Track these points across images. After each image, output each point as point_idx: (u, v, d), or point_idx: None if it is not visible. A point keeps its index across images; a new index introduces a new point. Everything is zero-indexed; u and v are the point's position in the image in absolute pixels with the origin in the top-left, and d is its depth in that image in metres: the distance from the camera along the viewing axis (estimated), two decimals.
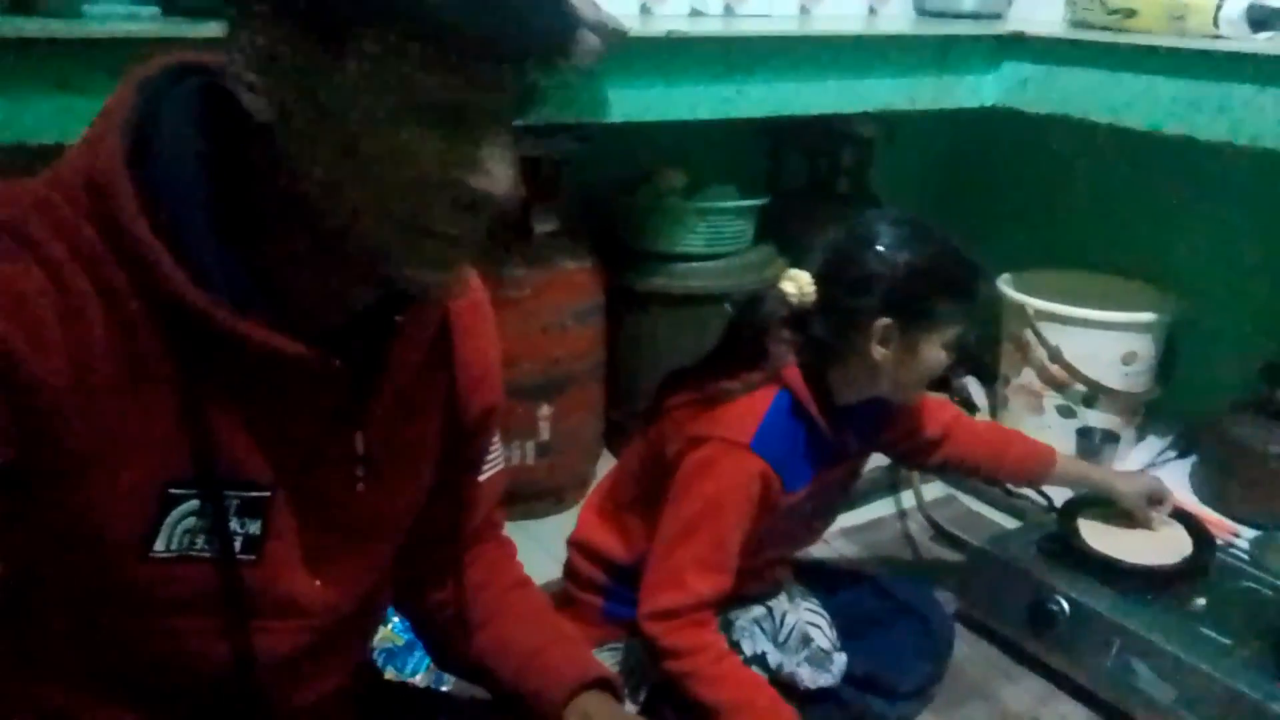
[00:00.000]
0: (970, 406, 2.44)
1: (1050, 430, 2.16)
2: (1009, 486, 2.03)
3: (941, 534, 2.05)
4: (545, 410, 1.87)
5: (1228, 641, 1.47)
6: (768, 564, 1.38)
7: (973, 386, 2.47)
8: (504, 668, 0.95)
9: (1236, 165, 2.02)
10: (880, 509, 2.18)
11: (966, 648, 1.70)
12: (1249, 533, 1.86)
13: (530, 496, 1.88)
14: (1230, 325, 2.16)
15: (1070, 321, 2.09)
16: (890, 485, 2.20)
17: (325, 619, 0.79)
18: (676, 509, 1.22)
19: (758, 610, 1.40)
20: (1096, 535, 1.66)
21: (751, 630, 1.36)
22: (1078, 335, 2.09)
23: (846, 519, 2.11)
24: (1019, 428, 2.21)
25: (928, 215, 2.54)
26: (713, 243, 1.97)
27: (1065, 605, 1.57)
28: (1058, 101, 1.91)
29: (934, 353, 1.24)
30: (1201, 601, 1.55)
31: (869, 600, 1.54)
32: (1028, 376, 2.19)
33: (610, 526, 1.36)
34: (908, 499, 2.16)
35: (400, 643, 1.56)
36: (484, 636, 0.96)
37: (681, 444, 1.24)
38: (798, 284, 1.24)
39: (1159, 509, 1.61)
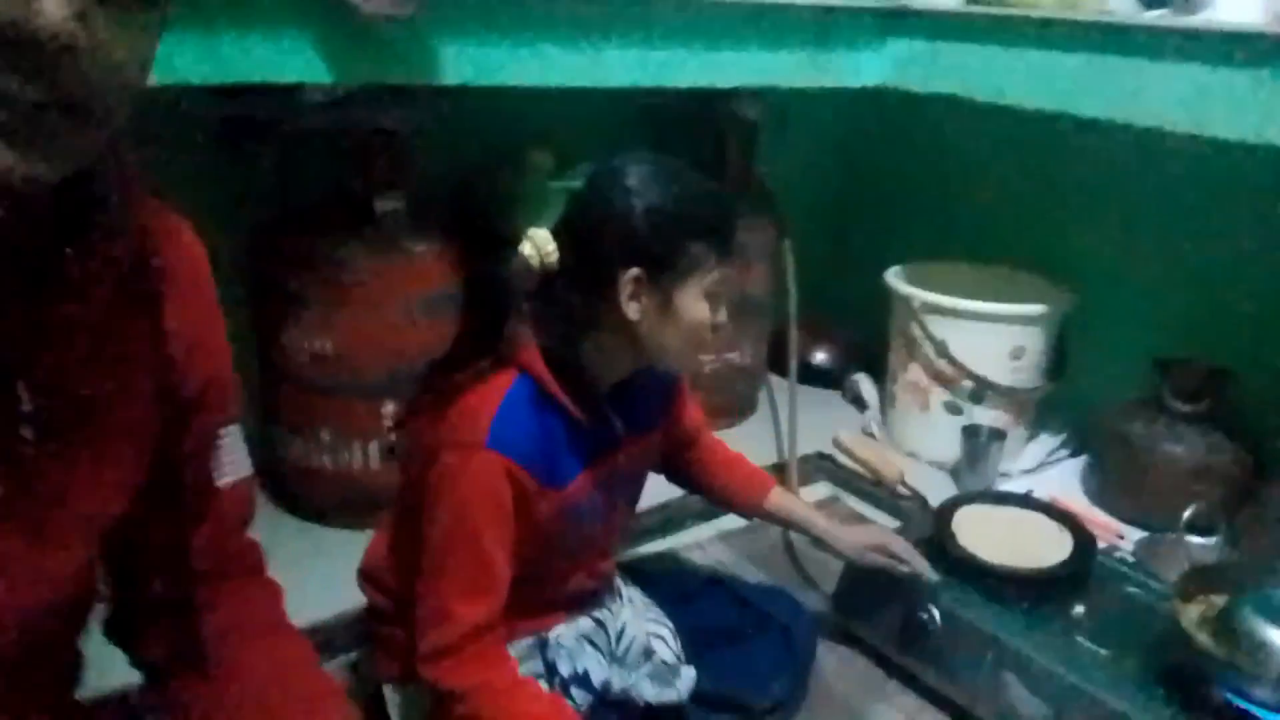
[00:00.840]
0: (861, 404, 2.35)
1: (937, 429, 2.07)
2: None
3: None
4: (390, 409, 1.71)
5: (1106, 653, 1.37)
6: (573, 570, 1.24)
7: (864, 384, 2.37)
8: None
9: (1129, 152, 1.95)
10: None
11: (838, 663, 1.58)
12: (1136, 534, 1.78)
13: (372, 505, 1.71)
14: (1123, 319, 2.08)
15: (957, 314, 2.00)
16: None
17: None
18: (429, 534, 1.08)
19: (585, 624, 1.26)
20: (974, 537, 1.55)
21: (575, 648, 1.22)
22: (965, 329, 1.99)
23: (724, 523, 1.99)
24: (906, 426, 2.13)
25: (820, 206, 2.58)
26: None
27: (937, 615, 1.46)
28: (946, 81, 1.81)
29: (695, 305, 1.10)
30: (1080, 609, 1.45)
31: (724, 609, 1.42)
32: (915, 373, 2.09)
33: (396, 553, 1.22)
34: None
35: None
36: (212, 693, 0.81)
37: (420, 459, 1.10)
38: (535, 244, 1.09)
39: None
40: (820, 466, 2.18)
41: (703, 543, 1.93)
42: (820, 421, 2.25)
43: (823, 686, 1.51)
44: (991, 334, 1.99)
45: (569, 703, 1.16)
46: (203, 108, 1.58)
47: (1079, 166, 2.14)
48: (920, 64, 1.86)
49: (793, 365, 2.19)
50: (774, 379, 2.36)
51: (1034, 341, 2.01)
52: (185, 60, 1.21)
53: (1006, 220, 2.30)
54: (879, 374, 2.32)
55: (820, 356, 2.51)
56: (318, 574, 1.38)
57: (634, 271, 1.07)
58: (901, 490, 1.97)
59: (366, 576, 1.27)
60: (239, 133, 1.65)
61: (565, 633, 1.24)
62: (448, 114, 1.71)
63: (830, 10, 1.81)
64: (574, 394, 1.11)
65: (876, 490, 2.03)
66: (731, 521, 1.99)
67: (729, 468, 1.45)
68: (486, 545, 1.06)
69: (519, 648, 1.20)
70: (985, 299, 1.99)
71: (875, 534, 1.46)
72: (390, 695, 1.26)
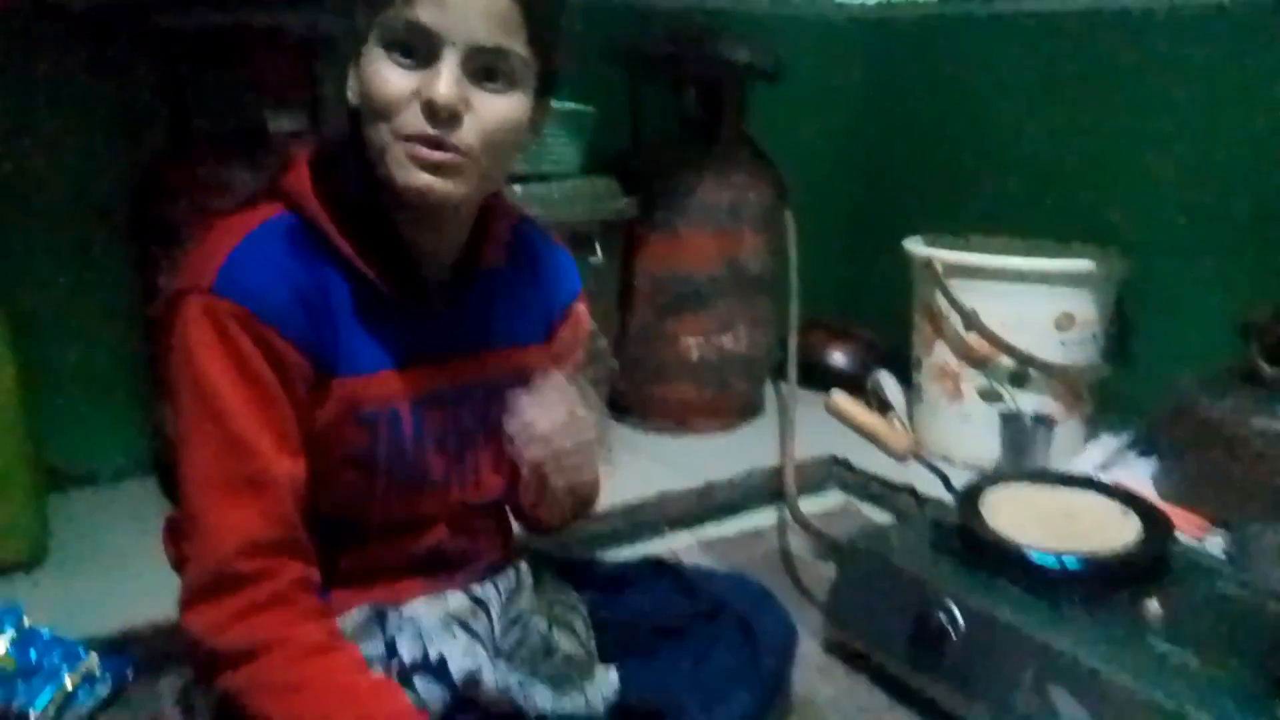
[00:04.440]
0: (885, 407, 1.98)
1: (971, 421, 1.70)
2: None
3: (830, 550, 1.55)
4: None
5: (1194, 661, 0.98)
6: (410, 516, 0.91)
7: (886, 383, 2.01)
8: None
9: (1180, 92, 1.63)
10: (758, 519, 1.70)
11: (833, 687, 1.21)
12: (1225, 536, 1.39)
13: None
14: (1190, 285, 1.72)
15: (987, 275, 1.65)
16: (773, 493, 1.72)
17: None
18: (175, 424, 0.78)
19: (456, 601, 0.92)
20: (1009, 520, 1.18)
21: (432, 628, 0.87)
22: (998, 294, 1.64)
23: (709, 529, 1.64)
24: (935, 422, 1.78)
25: (827, 170, 2.26)
26: (522, 158, 1.50)
27: (959, 616, 1.09)
28: None
29: (370, 61, 0.76)
30: (1155, 606, 1.06)
31: (665, 597, 1.05)
32: (942, 354, 1.74)
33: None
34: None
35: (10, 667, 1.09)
36: None
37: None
38: None
39: None
40: (832, 474, 1.82)
41: (680, 551, 1.57)
42: (838, 428, 1.90)
43: (814, 715, 1.14)
44: (1031, 298, 1.64)
45: (406, 693, 0.81)
46: (59, 4, 1.34)
47: (1125, 116, 1.81)
48: None
49: (792, 343, 1.85)
50: (777, 377, 2.02)
51: (1084, 308, 1.65)
52: None
53: (1045, 184, 1.96)
54: (899, 371, 1.96)
55: (839, 357, 2.16)
56: None
57: (356, 21, 0.78)
58: (915, 474, 1.58)
59: (169, 537, 0.94)
60: (108, 36, 1.40)
61: (421, 608, 0.89)
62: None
63: None
64: (371, 248, 0.81)
65: (895, 494, 1.65)
66: (718, 527, 1.65)
67: None
68: (235, 416, 0.75)
69: (350, 620, 0.86)
70: (1024, 256, 1.65)
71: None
72: (199, 698, 0.92)
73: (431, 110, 0.74)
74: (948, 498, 1.34)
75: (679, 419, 1.89)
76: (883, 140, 2.28)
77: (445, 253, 0.88)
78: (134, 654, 1.18)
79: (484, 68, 0.76)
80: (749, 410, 1.99)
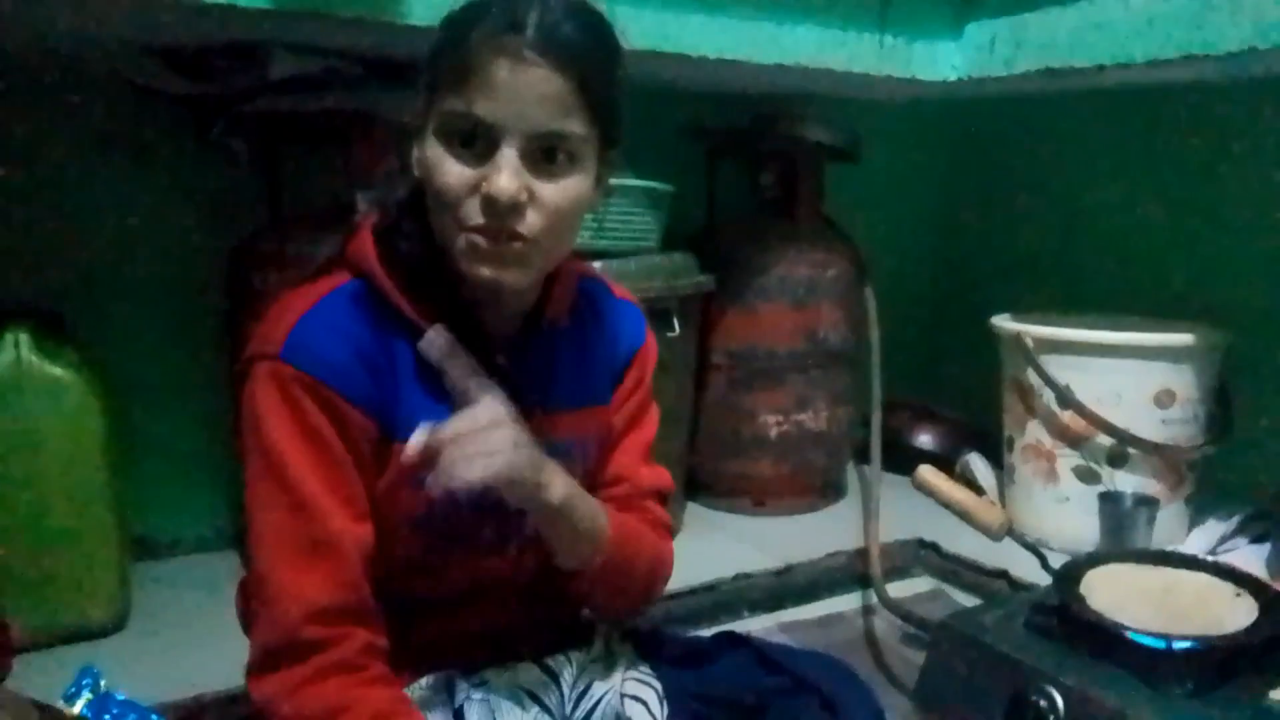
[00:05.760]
0: (976, 490, 1.91)
1: (1068, 503, 1.62)
2: None
3: (916, 634, 1.48)
4: None
5: None
6: (481, 594, 0.89)
7: (976, 464, 1.94)
8: None
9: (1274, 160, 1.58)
10: (840, 602, 1.63)
11: None
12: None
13: None
14: None
15: (1082, 350, 1.59)
16: (857, 575, 1.65)
17: None
18: (245, 490, 0.79)
19: (527, 673, 0.89)
20: (1111, 601, 1.11)
21: (500, 700, 0.84)
22: (1094, 369, 1.58)
23: (791, 611, 1.59)
24: (1028, 504, 1.70)
25: (908, 246, 2.22)
26: (602, 234, 1.52)
27: (1059, 699, 1.01)
28: (1039, 54, 1.49)
29: (431, 148, 0.77)
30: (1277, 696, 0.97)
31: (745, 673, 1.00)
32: (1035, 433, 1.67)
33: None
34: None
35: None
36: None
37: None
38: None
39: None
40: (919, 557, 1.75)
41: (759, 633, 1.50)
42: (925, 510, 1.83)
43: None
44: (1129, 374, 1.57)
45: None
46: (166, 91, 1.42)
47: (1217, 187, 1.75)
48: (1005, 43, 1.55)
49: (875, 421, 1.80)
50: (860, 457, 1.96)
51: (1185, 384, 1.58)
52: None
53: (1132, 259, 1.91)
54: (990, 453, 1.89)
55: (925, 438, 2.10)
56: None
57: (417, 104, 0.80)
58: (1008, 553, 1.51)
59: (240, 599, 0.94)
60: (209, 118, 1.46)
61: (491, 678, 0.87)
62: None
63: None
64: (436, 310, 0.81)
65: (987, 579, 1.58)
66: (800, 610, 1.60)
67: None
68: (301, 480, 0.75)
69: (418, 689, 0.84)
70: (1120, 330, 1.59)
71: None
72: None
73: (493, 205, 0.75)
74: (1044, 580, 1.27)
75: (757, 497, 1.85)
76: (965, 217, 2.25)
77: (509, 313, 0.88)
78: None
79: (543, 151, 0.76)
80: (830, 490, 1.93)
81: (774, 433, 1.80)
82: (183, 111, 1.47)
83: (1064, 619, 1.10)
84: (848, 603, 1.64)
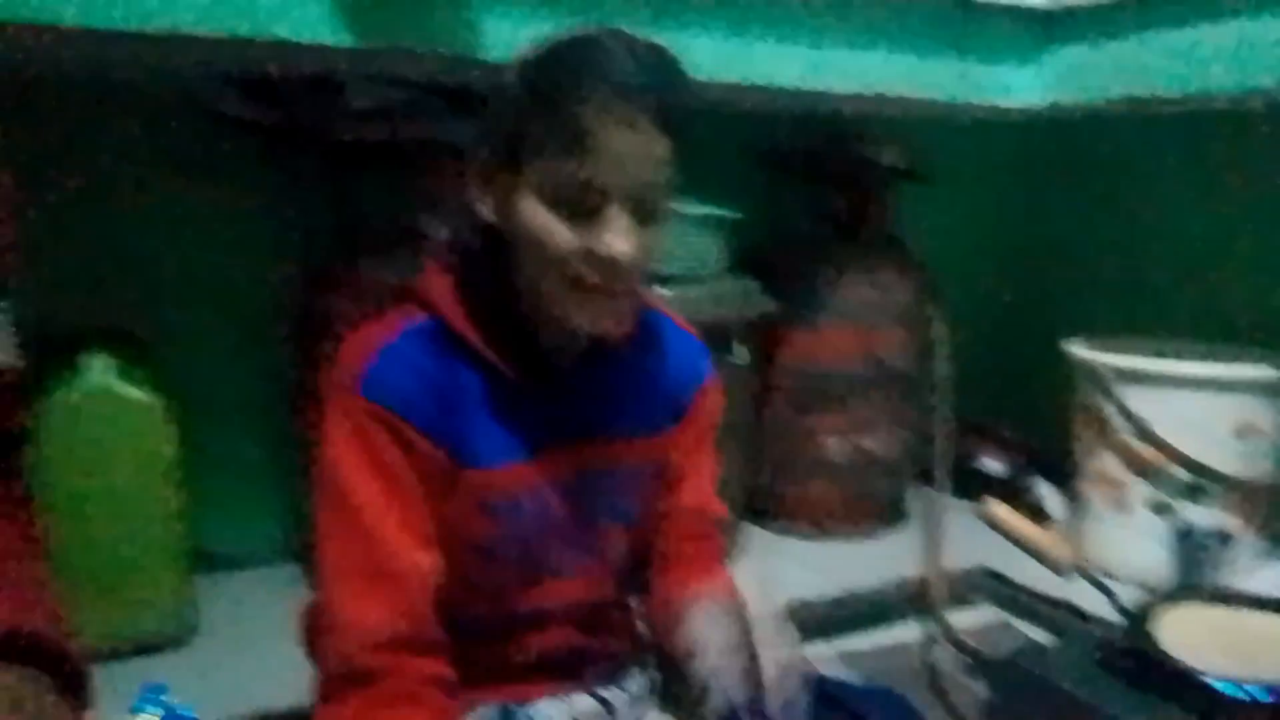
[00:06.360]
0: (1040, 515, 1.87)
1: (1139, 535, 1.57)
2: None
3: (979, 666, 1.45)
4: None
5: None
6: (542, 620, 0.90)
7: (1045, 492, 1.90)
8: None
9: None
10: (901, 632, 1.61)
11: None
12: None
13: None
14: None
15: (1159, 382, 1.54)
16: (919, 604, 1.62)
17: None
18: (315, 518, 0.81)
19: (583, 703, 0.90)
20: (1186, 644, 1.07)
21: None
22: (1173, 401, 1.53)
23: (851, 641, 1.56)
24: (1098, 534, 1.65)
25: (977, 267, 2.18)
26: (664, 259, 1.52)
27: None
28: (1121, 83, 1.46)
29: (531, 205, 0.78)
30: None
31: (806, 710, 0.99)
32: (1108, 463, 1.62)
33: None
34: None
35: None
36: None
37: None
38: None
39: None
40: (983, 585, 1.71)
41: (818, 663, 1.49)
42: (989, 535, 1.80)
43: None
44: (1209, 406, 1.52)
45: None
46: (244, 119, 1.45)
47: None
48: (1088, 70, 1.52)
49: (941, 445, 1.77)
50: (923, 484, 1.93)
51: (1267, 416, 1.52)
52: (188, 11, 1.06)
53: (1208, 284, 1.84)
54: (1063, 480, 1.85)
55: (989, 461, 2.05)
56: None
57: (481, 152, 0.81)
58: (1076, 590, 1.47)
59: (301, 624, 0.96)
60: (284, 148, 1.50)
61: (548, 709, 0.87)
62: None
63: (974, 12, 1.51)
64: (505, 344, 0.83)
65: (1052, 610, 1.54)
66: (858, 639, 1.57)
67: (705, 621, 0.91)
68: (367, 510, 0.77)
69: (476, 719, 0.84)
70: (1197, 361, 1.54)
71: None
72: None
73: (610, 267, 0.76)
74: (1113, 616, 1.24)
75: (817, 521, 1.83)
76: (1036, 237, 2.21)
77: (577, 345, 0.89)
78: None
79: (643, 205, 0.77)
80: (891, 516, 1.90)
81: (835, 455, 1.78)
82: (259, 139, 1.50)
83: (1137, 661, 1.07)
84: (909, 631, 1.60)
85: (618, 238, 0.75)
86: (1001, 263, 2.22)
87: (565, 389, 0.87)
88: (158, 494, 1.32)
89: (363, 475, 0.77)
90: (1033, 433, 2.03)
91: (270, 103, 1.43)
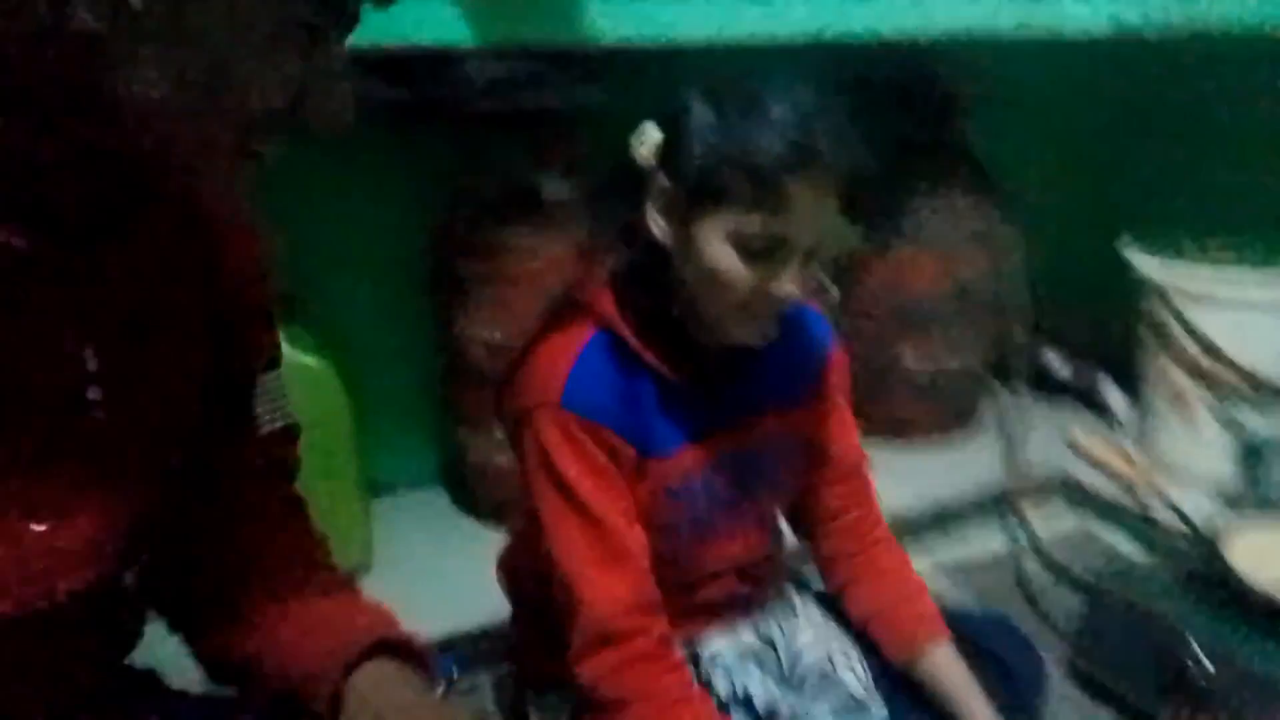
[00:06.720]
0: (1106, 413, 2.01)
1: (1204, 444, 1.72)
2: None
3: (1062, 575, 1.63)
4: None
5: None
6: (705, 565, 1.05)
7: (1110, 391, 2.03)
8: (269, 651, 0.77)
9: None
10: (987, 540, 1.78)
11: (1078, 716, 1.30)
12: None
13: None
14: None
15: (1225, 303, 1.66)
16: (999, 511, 1.80)
17: (64, 579, 0.64)
18: (540, 512, 0.95)
19: (749, 639, 1.07)
20: (1259, 566, 1.23)
21: (736, 665, 1.03)
22: (1236, 319, 1.65)
23: (944, 553, 1.74)
24: (1165, 441, 1.79)
25: (1046, 184, 2.23)
26: None
27: (1210, 665, 1.16)
28: (1189, 15, 1.51)
29: (714, 245, 0.88)
30: None
31: None
32: (1174, 375, 1.76)
33: (526, 545, 1.09)
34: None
35: None
36: (253, 643, 0.77)
37: (506, 429, 0.99)
38: (640, 140, 0.93)
39: None
40: (1057, 490, 1.87)
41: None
42: (1056, 437, 1.95)
43: None
44: (1273, 325, 1.64)
45: None
46: (372, 95, 1.54)
47: None
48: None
49: (1019, 365, 1.90)
50: (1000, 388, 2.07)
51: None
52: None
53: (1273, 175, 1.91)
54: (1127, 378, 1.98)
55: (1055, 360, 2.18)
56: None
57: (665, 183, 0.90)
58: (1160, 512, 1.63)
59: (501, 577, 1.14)
60: (408, 118, 1.60)
61: (723, 646, 1.05)
62: (620, 92, 1.59)
63: None
64: (665, 348, 0.95)
65: (1128, 516, 1.70)
66: (954, 549, 1.75)
67: (887, 587, 1.10)
68: (599, 508, 0.92)
69: None
70: (1259, 282, 1.64)
71: None
72: (532, 705, 1.12)
73: (777, 303, 0.88)
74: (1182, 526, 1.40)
75: (899, 431, 1.98)
76: (1103, 153, 2.26)
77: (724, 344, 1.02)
78: (458, 653, 1.40)
79: (815, 253, 0.88)
80: (966, 421, 2.05)
81: (918, 375, 1.92)
82: (389, 112, 1.60)
83: (1213, 584, 1.24)
84: (995, 537, 1.77)
85: (794, 284, 0.88)
86: (1071, 177, 2.29)
87: (716, 381, 1.00)
88: (339, 446, 1.49)
89: (582, 475, 0.92)
90: (1101, 338, 2.14)
91: (400, 81, 1.52)
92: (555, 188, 1.59)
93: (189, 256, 0.70)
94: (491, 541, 1.64)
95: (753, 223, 0.86)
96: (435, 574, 1.55)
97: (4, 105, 0.54)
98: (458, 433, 1.73)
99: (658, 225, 0.93)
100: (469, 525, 1.76)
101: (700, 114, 0.89)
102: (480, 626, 1.42)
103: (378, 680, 0.73)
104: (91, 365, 0.63)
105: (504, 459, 1.66)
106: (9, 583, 0.60)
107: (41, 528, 0.62)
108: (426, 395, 1.80)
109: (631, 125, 1.92)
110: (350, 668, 0.73)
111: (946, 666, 1.05)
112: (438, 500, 1.82)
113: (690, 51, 1.34)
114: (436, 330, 1.70)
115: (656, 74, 1.35)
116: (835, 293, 1.74)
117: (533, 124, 1.57)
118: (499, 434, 1.60)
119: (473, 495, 1.77)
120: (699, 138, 0.89)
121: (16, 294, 0.58)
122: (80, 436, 0.64)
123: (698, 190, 0.89)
